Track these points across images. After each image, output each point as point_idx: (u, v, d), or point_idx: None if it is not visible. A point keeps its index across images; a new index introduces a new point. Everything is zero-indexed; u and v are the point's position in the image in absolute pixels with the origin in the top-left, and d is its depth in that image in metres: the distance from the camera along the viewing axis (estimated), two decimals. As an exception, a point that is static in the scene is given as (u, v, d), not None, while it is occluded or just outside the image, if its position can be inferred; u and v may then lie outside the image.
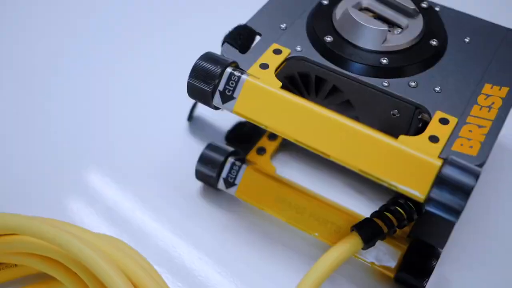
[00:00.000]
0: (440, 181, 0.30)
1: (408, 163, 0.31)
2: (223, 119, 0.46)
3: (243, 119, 0.45)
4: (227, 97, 0.34)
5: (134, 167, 0.44)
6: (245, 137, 0.44)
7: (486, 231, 0.41)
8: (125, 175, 0.43)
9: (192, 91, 0.35)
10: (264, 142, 0.44)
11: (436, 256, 0.36)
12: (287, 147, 0.45)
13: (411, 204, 0.36)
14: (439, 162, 0.30)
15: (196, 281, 0.38)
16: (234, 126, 0.45)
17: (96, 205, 0.42)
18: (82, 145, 0.45)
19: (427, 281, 0.36)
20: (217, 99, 0.34)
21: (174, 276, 0.38)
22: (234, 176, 0.40)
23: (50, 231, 0.34)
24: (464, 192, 0.29)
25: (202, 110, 0.47)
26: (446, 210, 0.30)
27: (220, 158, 0.40)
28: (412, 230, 0.38)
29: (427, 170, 0.30)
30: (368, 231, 0.35)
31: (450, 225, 0.39)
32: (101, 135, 0.46)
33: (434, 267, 0.36)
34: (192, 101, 0.46)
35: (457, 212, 0.30)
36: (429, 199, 0.30)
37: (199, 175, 0.41)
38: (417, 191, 0.30)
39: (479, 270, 0.39)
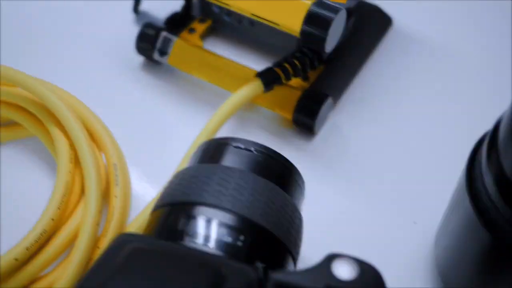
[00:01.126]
0: (309, 16, 0.38)
1: (288, 6, 0.39)
2: (165, 11, 0.54)
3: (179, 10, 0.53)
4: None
5: (89, 50, 0.52)
6: (180, 21, 0.52)
7: (378, 91, 0.49)
8: (80, 56, 0.52)
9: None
10: (195, 24, 0.52)
11: (325, 99, 0.45)
12: (216, 31, 0.53)
13: (306, 58, 0.44)
14: (309, 2, 0.39)
15: (135, 134, 0.46)
16: (170, 14, 0.53)
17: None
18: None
19: (317, 119, 0.44)
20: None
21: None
22: (166, 47, 0.48)
23: (16, 74, 0.42)
24: (327, 23, 0.38)
25: (146, 5, 0.55)
26: (314, 42, 0.38)
27: (154, 32, 0.49)
28: (311, 85, 0.46)
29: (300, 10, 0.39)
30: (268, 76, 0.44)
31: (343, 80, 0.48)
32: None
33: (321, 108, 0.44)
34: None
35: (322, 40, 0.38)
36: (301, 33, 0.39)
37: (139, 49, 0.49)
38: (294, 27, 0.39)
39: (367, 122, 0.47)
